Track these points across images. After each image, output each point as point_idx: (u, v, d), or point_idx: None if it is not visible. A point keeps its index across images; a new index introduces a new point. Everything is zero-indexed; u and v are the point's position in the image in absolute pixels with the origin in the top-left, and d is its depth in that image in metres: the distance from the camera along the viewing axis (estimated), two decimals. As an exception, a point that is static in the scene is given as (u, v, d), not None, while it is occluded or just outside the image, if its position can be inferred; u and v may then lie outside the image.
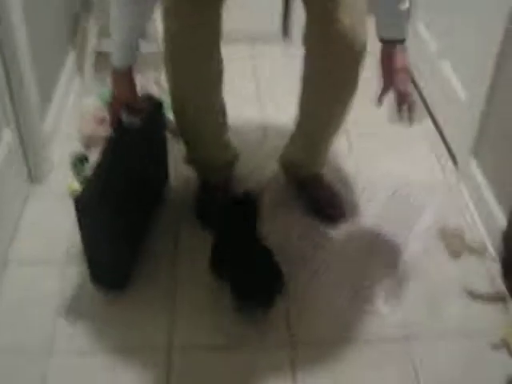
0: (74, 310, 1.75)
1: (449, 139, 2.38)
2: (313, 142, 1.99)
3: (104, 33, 2.52)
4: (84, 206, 1.60)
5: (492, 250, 1.95)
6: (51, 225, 2.00)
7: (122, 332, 1.70)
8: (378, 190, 2.19)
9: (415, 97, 1.61)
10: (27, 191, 2.11)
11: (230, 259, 1.74)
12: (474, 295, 1.82)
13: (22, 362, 1.61)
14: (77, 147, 2.24)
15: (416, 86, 2.65)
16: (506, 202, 1.92)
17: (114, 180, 1.68)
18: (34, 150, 2.10)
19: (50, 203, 2.07)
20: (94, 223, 1.64)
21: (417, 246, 1.98)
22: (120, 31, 1.63)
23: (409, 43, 1.62)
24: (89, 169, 2.06)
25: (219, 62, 1.81)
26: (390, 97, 1.65)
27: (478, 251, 1.95)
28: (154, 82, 2.54)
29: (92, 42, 2.51)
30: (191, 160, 2.06)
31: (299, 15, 1.84)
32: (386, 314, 1.77)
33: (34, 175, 2.14)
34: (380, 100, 1.67)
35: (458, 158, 2.28)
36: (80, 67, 2.63)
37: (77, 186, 2.04)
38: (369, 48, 1.70)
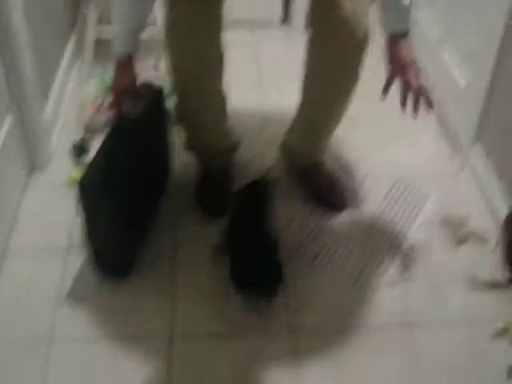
0: (75, 297, 1.74)
1: (452, 126, 2.37)
2: (314, 129, 1.97)
3: (104, 20, 2.51)
4: (85, 190, 1.59)
5: (496, 237, 1.94)
6: (50, 214, 1.99)
7: (124, 319, 1.69)
8: (381, 177, 2.18)
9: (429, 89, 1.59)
10: (26, 180, 2.10)
11: (233, 246, 1.73)
12: (477, 283, 1.81)
13: (23, 351, 1.61)
14: (77, 135, 2.23)
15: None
16: (510, 188, 1.91)
17: (115, 166, 1.67)
18: (33, 139, 2.08)
19: (49, 192, 2.06)
20: (95, 208, 1.63)
21: (420, 233, 1.97)
22: (120, 18, 1.63)
23: (412, 29, 1.61)
24: (89, 156, 2.05)
25: (220, 48, 1.79)
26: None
27: (482, 239, 1.94)
28: (153, 68, 2.53)
29: (92, 29, 2.49)
30: (191, 146, 2.05)
31: (300, 1, 1.82)
32: (388, 302, 1.76)
33: (33, 164, 2.13)
34: (384, 92, 1.66)
35: (462, 145, 2.26)
36: (80, 54, 2.62)
37: (77, 174, 2.03)
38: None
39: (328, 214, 2.02)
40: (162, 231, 1.94)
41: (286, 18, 3.03)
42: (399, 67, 1.61)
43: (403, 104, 1.61)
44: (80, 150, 2.14)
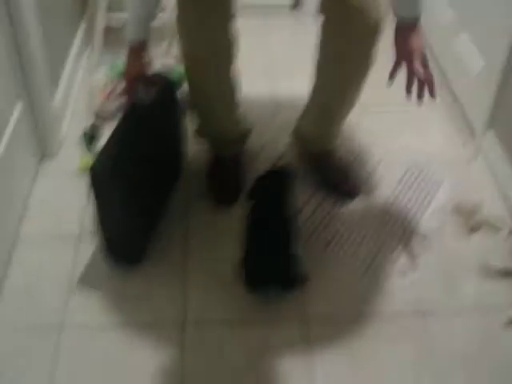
0: (86, 285, 1.74)
1: (466, 112, 2.35)
2: (326, 114, 1.96)
3: (114, 7, 2.50)
4: (96, 177, 1.59)
5: (509, 225, 1.92)
6: (61, 201, 1.99)
7: (136, 307, 1.69)
8: (394, 163, 2.16)
9: (434, 76, 1.58)
10: (37, 168, 2.09)
11: (251, 238, 1.71)
12: (490, 271, 1.80)
13: (34, 338, 1.61)
14: (87, 122, 2.23)
15: (432, 58, 2.61)
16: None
17: (127, 153, 1.66)
18: (43, 126, 2.08)
19: (60, 180, 2.06)
20: (107, 196, 1.63)
21: (433, 220, 1.96)
22: (132, 5, 1.64)
23: (425, 15, 1.59)
24: (99, 143, 2.04)
25: (232, 34, 1.78)
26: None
27: (496, 226, 1.93)
28: (165, 55, 2.52)
29: (102, 17, 2.48)
30: (203, 133, 2.04)
31: (312, -14, 1.80)
32: (401, 290, 1.75)
33: (43, 151, 2.13)
34: (391, 77, 1.64)
35: (475, 132, 2.24)
36: (90, 42, 2.61)
37: (88, 161, 2.02)
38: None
39: (340, 200, 2.01)
40: (174, 218, 1.93)
41: (297, 3, 3.01)
42: (406, 53, 1.59)
43: (408, 91, 1.60)
44: (90, 137, 2.13)
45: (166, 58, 2.48)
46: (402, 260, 1.84)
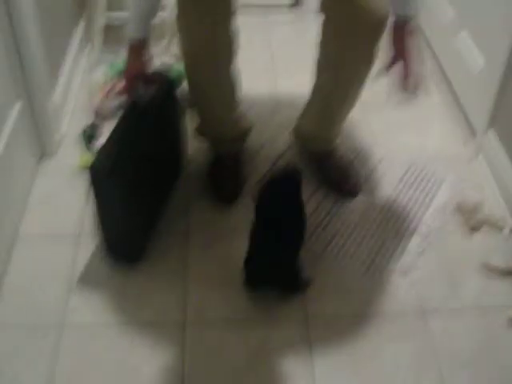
0: (86, 284, 1.74)
1: (467, 111, 2.34)
2: (327, 113, 1.95)
3: (113, 6, 2.50)
4: (96, 176, 1.58)
5: (510, 224, 1.92)
6: (61, 200, 1.98)
7: (136, 306, 1.69)
8: (395, 162, 2.16)
9: (424, 72, 1.63)
10: (36, 167, 2.09)
11: (255, 239, 1.68)
12: (491, 270, 1.79)
13: (33, 337, 1.61)
14: (86, 121, 2.22)
15: (433, 56, 2.61)
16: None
17: (127, 152, 1.66)
18: (43, 125, 2.08)
19: (60, 178, 2.05)
20: (106, 194, 1.63)
21: (434, 219, 1.96)
22: (132, 3, 1.63)
23: (426, 13, 1.60)
24: (99, 142, 2.03)
25: (232, 32, 1.77)
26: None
27: (497, 225, 1.92)
28: (165, 51, 2.51)
29: (101, 15, 2.48)
30: (203, 131, 2.04)
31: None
32: (402, 289, 1.75)
33: (43, 150, 2.13)
34: (381, 72, 1.68)
35: (476, 131, 2.24)
36: (89, 40, 2.60)
37: (88, 159, 2.02)
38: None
39: (341, 199, 2.01)
40: (174, 217, 1.93)
41: (296, 2, 3.00)
42: (400, 51, 1.65)
43: (397, 87, 1.65)
44: (90, 135, 2.12)
45: (165, 56, 2.48)
46: (403, 259, 1.83)
